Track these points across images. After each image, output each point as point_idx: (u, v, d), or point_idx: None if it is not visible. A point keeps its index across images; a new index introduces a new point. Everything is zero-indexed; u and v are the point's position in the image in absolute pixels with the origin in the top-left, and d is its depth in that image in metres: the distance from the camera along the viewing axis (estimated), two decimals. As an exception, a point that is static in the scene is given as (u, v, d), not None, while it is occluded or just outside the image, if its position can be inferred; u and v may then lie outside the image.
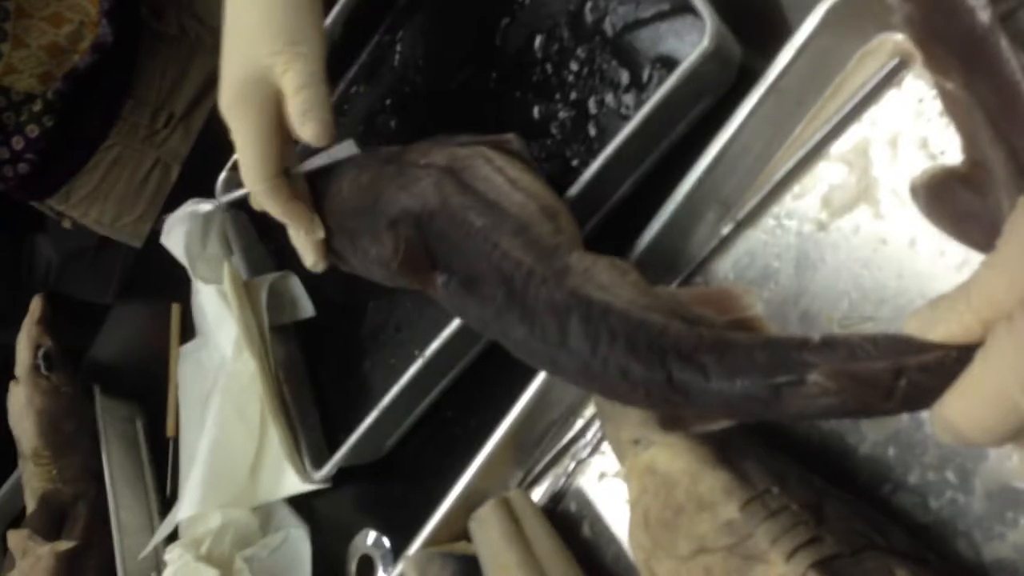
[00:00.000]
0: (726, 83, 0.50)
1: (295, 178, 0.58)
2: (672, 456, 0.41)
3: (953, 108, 0.32)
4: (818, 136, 0.47)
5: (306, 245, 0.60)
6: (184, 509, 0.70)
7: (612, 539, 0.52)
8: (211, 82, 1.00)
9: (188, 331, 0.88)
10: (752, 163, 0.49)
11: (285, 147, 0.57)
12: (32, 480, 0.83)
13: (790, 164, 0.47)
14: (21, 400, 0.83)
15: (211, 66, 1.00)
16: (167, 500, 0.85)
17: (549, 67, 0.58)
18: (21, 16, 0.86)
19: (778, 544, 0.35)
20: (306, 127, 0.54)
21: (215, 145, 0.96)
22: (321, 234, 0.58)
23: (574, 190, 0.51)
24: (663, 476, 0.41)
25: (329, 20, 0.69)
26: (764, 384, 0.34)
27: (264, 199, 0.57)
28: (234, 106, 0.55)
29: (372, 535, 0.66)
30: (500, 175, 0.49)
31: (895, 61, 0.44)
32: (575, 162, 0.55)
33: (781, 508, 0.37)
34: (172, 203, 0.99)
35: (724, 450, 0.40)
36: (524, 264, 0.44)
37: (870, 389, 0.32)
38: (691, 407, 0.38)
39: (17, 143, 0.91)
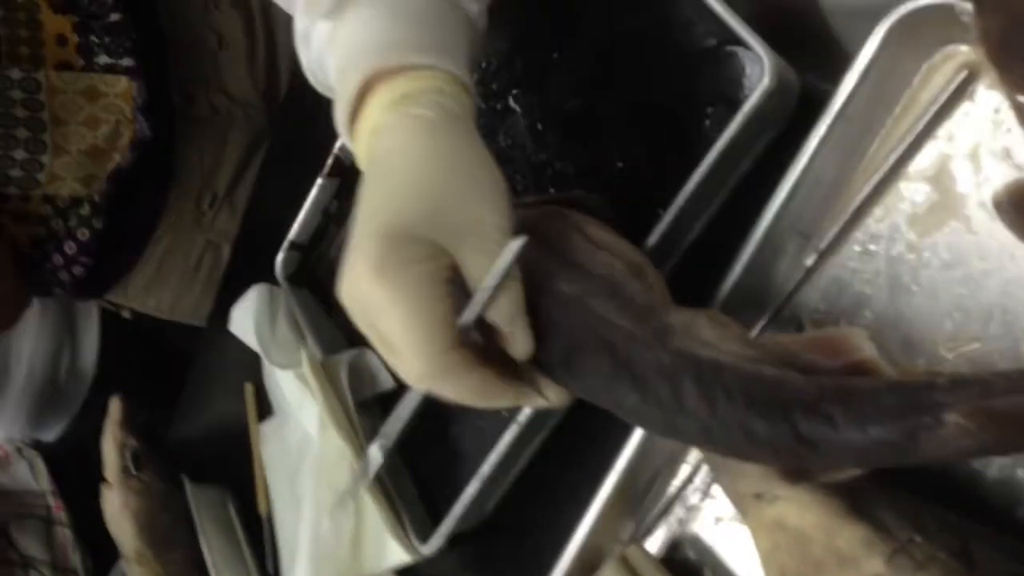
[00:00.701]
0: (788, 113, 0.50)
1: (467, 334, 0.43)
2: (801, 511, 0.40)
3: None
4: (893, 157, 0.46)
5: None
6: (295, 594, 0.70)
7: (737, 583, 0.51)
8: (248, 156, 1.01)
9: (263, 406, 0.89)
10: (827, 191, 0.48)
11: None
12: (139, 581, 0.84)
13: (868, 188, 0.47)
14: (116, 504, 0.84)
15: (246, 141, 1.01)
16: (271, 579, 0.86)
17: (600, 114, 0.57)
18: (58, 124, 0.86)
19: (934, 598, 0.35)
20: (518, 343, 0.43)
21: (261, 220, 0.97)
22: (549, 399, 0.46)
23: (652, 240, 0.50)
24: (795, 531, 0.41)
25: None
26: (898, 430, 0.34)
27: (446, 382, 0.42)
28: (389, 268, 0.41)
29: (486, 596, 0.66)
30: (579, 234, 0.48)
31: (963, 74, 0.44)
32: (640, 210, 0.55)
33: (928, 558, 0.36)
34: (227, 281, 1.01)
35: (854, 500, 0.40)
36: (623, 328, 0.43)
37: (1012, 426, 0.31)
38: (821, 460, 0.37)
39: (69, 248, 0.92)
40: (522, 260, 0.43)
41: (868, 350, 0.38)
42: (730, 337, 0.41)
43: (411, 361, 0.42)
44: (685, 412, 0.40)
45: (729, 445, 0.40)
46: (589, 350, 0.43)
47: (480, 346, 0.43)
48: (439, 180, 0.42)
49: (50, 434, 1.17)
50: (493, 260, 0.41)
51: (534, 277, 0.45)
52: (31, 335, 1.10)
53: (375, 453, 0.47)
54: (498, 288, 0.41)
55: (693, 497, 0.54)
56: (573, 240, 0.47)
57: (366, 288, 0.41)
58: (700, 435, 0.40)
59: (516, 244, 0.41)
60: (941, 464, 0.43)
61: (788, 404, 0.37)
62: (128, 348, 1.16)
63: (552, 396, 0.45)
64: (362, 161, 0.46)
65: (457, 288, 0.42)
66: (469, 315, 0.42)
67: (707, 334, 0.42)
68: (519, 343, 0.43)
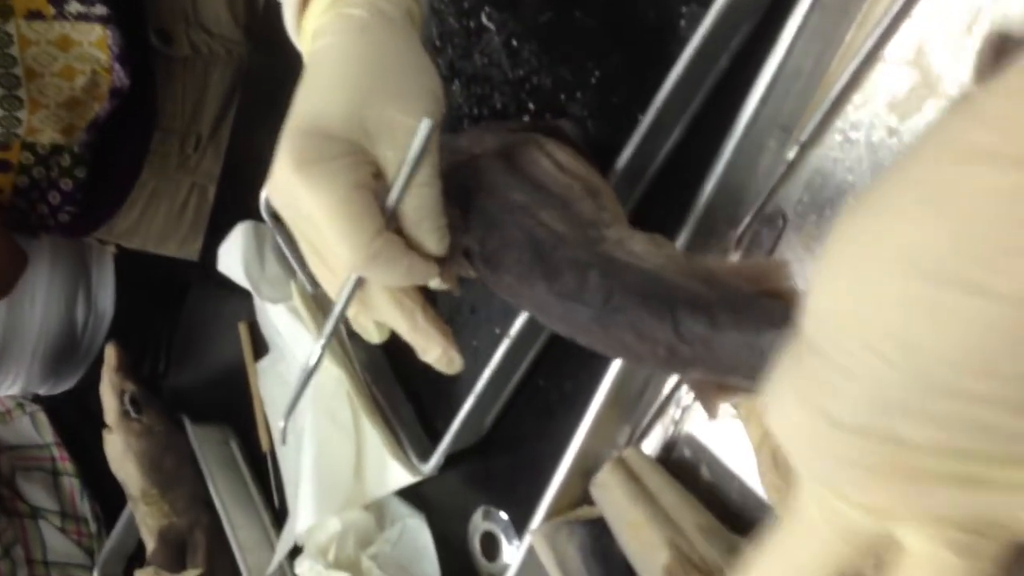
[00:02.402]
0: (763, 5, 0.49)
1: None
2: (791, 396, 0.41)
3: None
4: (870, 42, 0.45)
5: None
6: (301, 522, 0.71)
7: (733, 476, 0.52)
8: (230, 95, 0.99)
9: (258, 344, 0.90)
10: (806, 83, 0.48)
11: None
12: (146, 519, 0.85)
13: (846, 76, 0.46)
14: (118, 447, 0.85)
15: (228, 79, 0.99)
16: (278, 513, 0.87)
17: (574, 25, 0.57)
18: (32, 78, 0.85)
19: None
20: (425, 238, 0.43)
21: (244, 157, 0.96)
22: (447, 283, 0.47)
23: (631, 145, 0.50)
24: (785, 417, 0.41)
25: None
26: (777, 338, 0.34)
27: (378, 266, 0.42)
28: (308, 162, 0.40)
29: (488, 511, 0.67)
30: (549, 159, 0.49)
31: (938, -50, 0.43)
32: (619, 116, 0.55)
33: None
34: (212, 221, 1.00)
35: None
36: (557, 231, 0.44)
37: None
38: (700, 364, 0.38)
39: (54, 198, 0.91)
40: (487, 174, 0.45)
41: (786, 282, 0.38)
42: (660, 254, 0.42)
43: (341, 250, 0.41)
44: (582, 301, 0.41)
45: (615, 339, 0.41)
46: (516, 246, 0.44)
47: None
48: (359, 79, 0.41)
49: (71, 382, 1.17)
50: (419, 179, 0.42)
51: (493, 189, 0.46)
52: (43, 286, 1.09)
53: (316, 350, 0.49)
54: (416, 169, 0.41)
55: (686, 398, 0.54)
56: (541, 165, 0.48)
57: (289, 184, 0.41)
58: (589, 325, 0.41)
59: (425, 124, 0.41)
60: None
61: (678, 302, 0.38)
62: (142, 288, 1.15)
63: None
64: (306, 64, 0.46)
65: (380, 189, 0.42)
66: (393, 197, 0.42)
67: (639, 248, 0.42)
68: (428, 245, 0.43)
